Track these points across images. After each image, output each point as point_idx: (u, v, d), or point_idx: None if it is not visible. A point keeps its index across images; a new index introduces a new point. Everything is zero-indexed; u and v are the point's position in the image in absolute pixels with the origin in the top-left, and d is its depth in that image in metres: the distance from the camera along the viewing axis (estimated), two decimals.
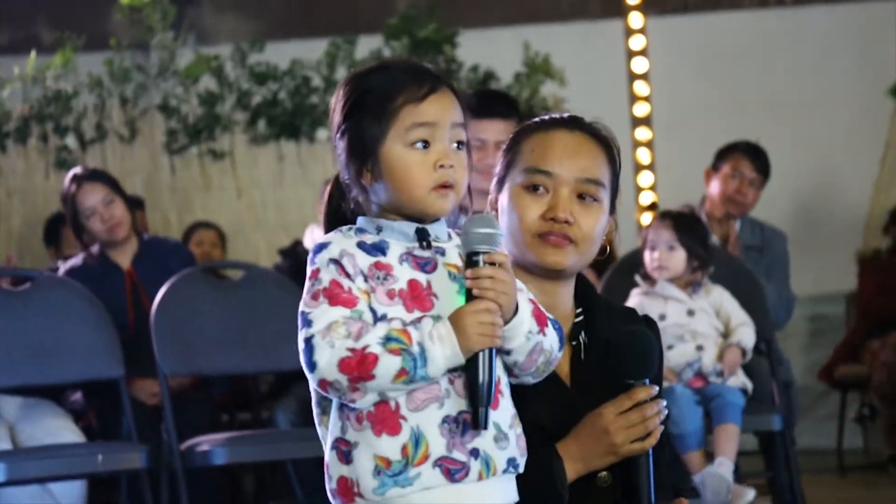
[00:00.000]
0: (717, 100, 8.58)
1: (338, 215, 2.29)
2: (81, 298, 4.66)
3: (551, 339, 2.25)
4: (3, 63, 7.61)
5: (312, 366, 2.10)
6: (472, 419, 2.14)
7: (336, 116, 2.24)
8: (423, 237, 2.21)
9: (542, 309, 2.26)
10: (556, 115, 2.59)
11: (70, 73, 7.44)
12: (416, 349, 2.09)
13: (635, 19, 7.89)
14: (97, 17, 8.09)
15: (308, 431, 4.85)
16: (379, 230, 2.21)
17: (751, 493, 4.46)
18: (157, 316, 4.68)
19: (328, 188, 2.32)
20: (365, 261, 2.16)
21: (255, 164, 7.73)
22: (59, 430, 4.84)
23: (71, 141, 7.43)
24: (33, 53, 7.42)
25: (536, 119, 2.60)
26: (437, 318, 2.14)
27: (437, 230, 2.23)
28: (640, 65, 7.86)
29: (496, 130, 4.58)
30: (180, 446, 4.53)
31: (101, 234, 5.28)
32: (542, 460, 2.36)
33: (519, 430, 2.23)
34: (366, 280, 2.15)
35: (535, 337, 2.22)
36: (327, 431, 2.21)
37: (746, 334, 4.62)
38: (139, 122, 7.58)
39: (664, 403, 2.45)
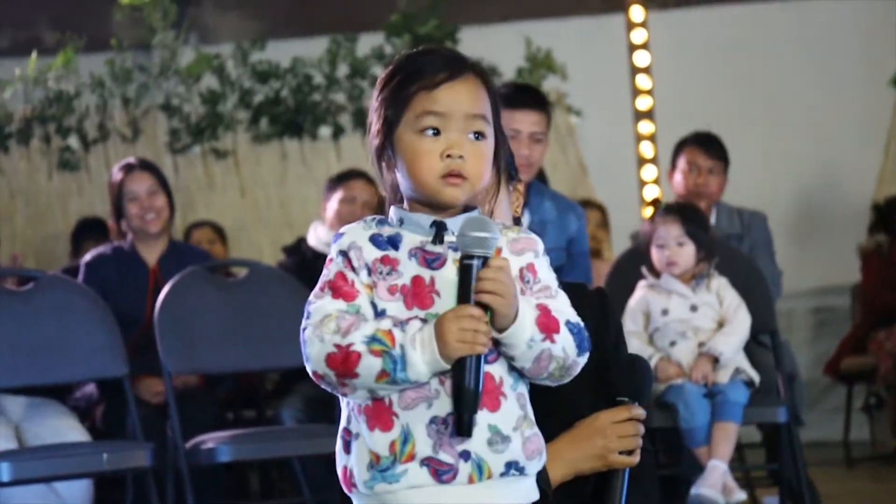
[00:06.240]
0: (719, 93, 8.57)
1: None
2: (85, 298, 4.66)
3: (564, 345, 2.16)
4: (4, 65, 7.62)
5: (306, 357, 2.14)
6: (456, 425, 2.10)
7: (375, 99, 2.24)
8: (439, 231, 2.17)
9: (556, 315, 2.17)
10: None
11: (72, 73, 7.44)
12: (397, 352, 2.08)
13: (636, 13, 7.88)
14: (98, 18, 8.09)
15: (314, 429, 4.88)
16: (401, 222, 2.19)
17: (741, 495, 4.46)
18: (161, 314, 4.68)
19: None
20: (371, 254, 2.15)
21: (258, 162, 7.73)
22: (65, 429, 4.83)
23: (73, 141, 7.43)
24: (34, 54, 7.42)
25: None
26: (433, 317, 2.12)
27: (457, 225, 2.17)
28: (641, 58, 7.86)
29: (530, 122, 4.63)
30: (185, 444, 4.53)
31: (135, 220, 5.32)
32: None
33: (529, 431, 2.18)
34: (369, 274, 2.14)
35: (538, 345, 2.14)
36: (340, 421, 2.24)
37: (720, 340, 4.56)
38: (141, 121, 7.59)
39: (642, 430, 2.45)
